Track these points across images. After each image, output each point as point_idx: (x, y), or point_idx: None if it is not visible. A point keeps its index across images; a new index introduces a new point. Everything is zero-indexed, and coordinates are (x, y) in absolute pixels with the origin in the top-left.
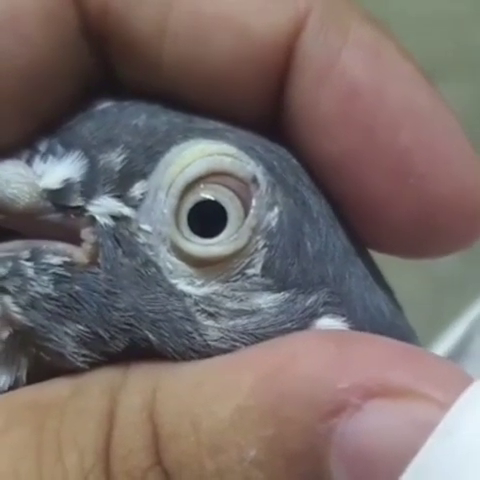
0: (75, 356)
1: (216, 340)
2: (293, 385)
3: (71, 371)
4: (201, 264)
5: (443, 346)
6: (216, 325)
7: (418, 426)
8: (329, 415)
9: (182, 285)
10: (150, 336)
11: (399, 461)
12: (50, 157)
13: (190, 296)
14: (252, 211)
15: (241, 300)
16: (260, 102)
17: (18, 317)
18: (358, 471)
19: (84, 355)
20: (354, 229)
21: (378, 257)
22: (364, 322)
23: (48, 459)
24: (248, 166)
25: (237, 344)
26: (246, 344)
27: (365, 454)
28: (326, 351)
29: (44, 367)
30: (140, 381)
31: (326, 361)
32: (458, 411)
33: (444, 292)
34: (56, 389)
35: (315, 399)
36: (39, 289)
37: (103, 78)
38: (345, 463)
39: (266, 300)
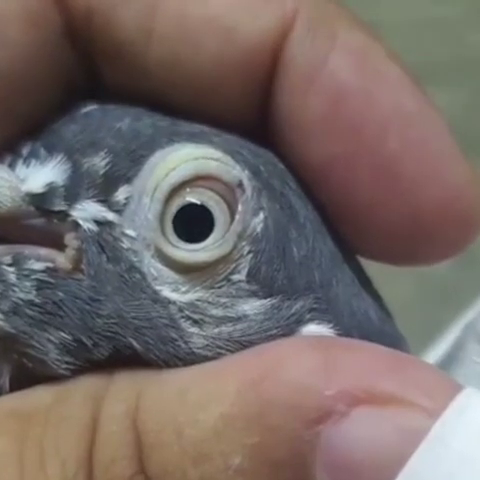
0: (58, 363)
1: (201, 347)
2: (278, 392)
3: (54, 378)
4: (186, 270)
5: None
6: (201, 332)
7: (405, 433)
8: (315, 422)
9: (166, 291)
10: (134, 343)
11: (385, 469)
12: (33, 161)
13: (174, 303)
14: (238, 216)
15: (226, 307)
16: (247, 105)
17: (0, 323)
18: (344, 479)
19: (67, 362)
20: (342, 235)
21: (369, 262)
22: (352, 328)
23: (30, 467)
24: (234, 170)
25: (222, 351)
26: (231, 351)
27: (351, 461)
28: (312, 357)
29: (27, 374)
30: (124, 389)
31: (312, 367)
32: (449, 419)
33: (437, 298)
34: (39, 397)
35: (301, 406)
36: (21, 295)
37: (87, 80)
38: (330, 471)
39: (252, 306)
